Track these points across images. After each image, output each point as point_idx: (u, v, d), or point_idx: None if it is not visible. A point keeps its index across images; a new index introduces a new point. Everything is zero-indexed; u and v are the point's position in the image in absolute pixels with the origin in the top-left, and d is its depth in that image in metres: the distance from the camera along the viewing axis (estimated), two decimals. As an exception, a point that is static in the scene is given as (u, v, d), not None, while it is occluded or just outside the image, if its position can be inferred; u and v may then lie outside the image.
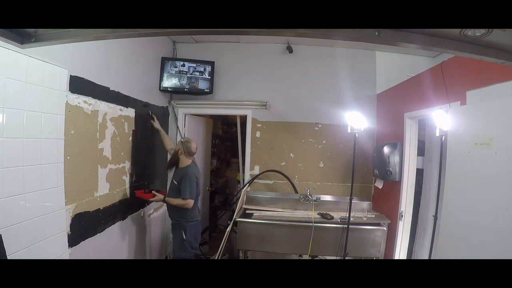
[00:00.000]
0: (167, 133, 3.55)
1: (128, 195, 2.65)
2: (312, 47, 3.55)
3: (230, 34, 3.14)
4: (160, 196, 2.59)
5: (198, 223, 2.69)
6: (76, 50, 1.89)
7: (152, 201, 2.70)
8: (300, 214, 3.15)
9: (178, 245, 2.62)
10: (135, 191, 2.65)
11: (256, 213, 3.14)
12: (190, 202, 2.50)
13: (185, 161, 2.64)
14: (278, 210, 3.28)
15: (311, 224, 2.81)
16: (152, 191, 2.62)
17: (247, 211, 3.21)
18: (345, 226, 2.64)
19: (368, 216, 3.05)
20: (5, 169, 1.40)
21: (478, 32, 0.79)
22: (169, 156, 2.98)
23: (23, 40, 0.95)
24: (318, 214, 3.08)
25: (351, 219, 2.60)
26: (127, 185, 2.64)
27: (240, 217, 2.96)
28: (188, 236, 2.58)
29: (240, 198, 3.26)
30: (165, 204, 2.72)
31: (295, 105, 3.54)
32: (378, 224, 2.88)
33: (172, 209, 2.62)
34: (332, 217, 2.96)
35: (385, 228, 2.80)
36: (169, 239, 3.61)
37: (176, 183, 2.59)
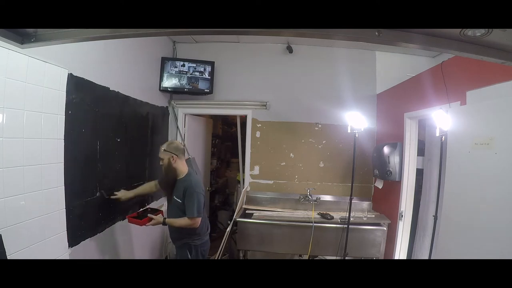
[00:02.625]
0: (167, 133, 3.56)
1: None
2: (312, 47, 3.55)
3: (230, 34, 3.14)
4: (158, 219, 2.11)
5: (207, 242, 2.30)
6: (76, 50, 1.89)
7: (149, 225, 2.15)
8: (300, 214, 3.15)
9: None
10: (127, 216, 2.30)
11: (256, 213, 3.14)
12: (198, 221, 2.08)
13: (182, 168, 2.18)
14: (278, 210, 3.28)
15: (311, 224, 2.81)
16: (148, 215, 2.18)
17: (247, 211, 3.22)
18: (345, 226, 2.64)
19: (368, 216, 3.05)
20: (5, 169, 1.40)
21: (478, 32, 0.79)
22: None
23: (23, 40, 0.95)
24: (318, 214, 3.08)
25: (351, 219, 2.60)
26: (127, 185, 2.64)
27: (240, 217, 2.96)
28: (193, 256, 2.18)
29: (240, 198, 3.26)
30: (166, 208, 2.30)
31: (295, 105, 3.54)
32: (378, 224, 2.88)
33: (174, 229, 2.22)
34: (332, 217, 2.96)
35: (385, 228, 2.80)
36: (169, 239, 3.61)
37: (178, 199, 2.12)
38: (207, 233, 2.32)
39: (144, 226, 2.17)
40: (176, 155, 2.13)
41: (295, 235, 2.87)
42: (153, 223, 2.12)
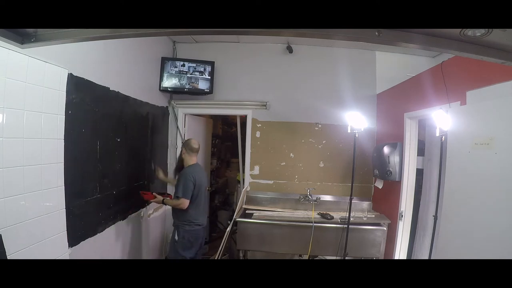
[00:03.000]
0: (167, 133, 3.56)
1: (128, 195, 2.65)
2: (312, 47, 3.55)
3: (230, 34, 3.14)
4: (159, 197, 2.56)
5: (197, 230, 2.54)
6: (76, 50, 1.89)
7: (152, 202, 2.70)
8: (300, 214, 3.15)
9: (169, 246, 2.66)
10: (141, 191, 2.67)
11: (256, 213, 3.14)
12: (184, 202, 2.40)
13: (188, 161, 2.59)
14: (278, 210, 3.28)
15: (311, 224, 2.81)
16: (153, 193, 2.59)
17: (247, 211, 3.21)
18: (345, 226, 2.63)
19: (368, 216, 3.05)
20: (5, 169, 1.40)
21: (478, 32, 0.79)
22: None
23: (23, 40, 0.95)
24: (318, 214, 3.08)
25: (351, 219, 2.60)
26: (127, 185, 2.64)
27: (240, 217, 2.96)
28: (180, 238, 2.47)
29: (240, 198, 3.26)
30: (165, 205, 2.69)
31: (295, 105, 3.54)
32: (378, 224, 2.88)
33: (172, 212, 2.59)
34: (332, 217, 2.96)
35: (385, 228, 2.80)
36: (169, 239, 3.61)
37: (176, 183, 2.55)
38: (199, 223, 2.54)
39: (149, 200, 2.70)
40: (184, 149, 2.60)
41: (295, 235, 2.87)
42: (156, 200, 2.58)
